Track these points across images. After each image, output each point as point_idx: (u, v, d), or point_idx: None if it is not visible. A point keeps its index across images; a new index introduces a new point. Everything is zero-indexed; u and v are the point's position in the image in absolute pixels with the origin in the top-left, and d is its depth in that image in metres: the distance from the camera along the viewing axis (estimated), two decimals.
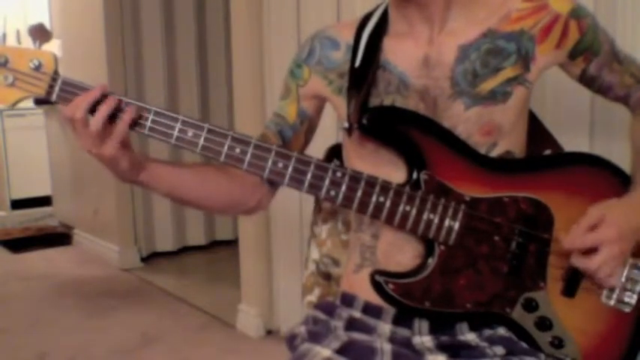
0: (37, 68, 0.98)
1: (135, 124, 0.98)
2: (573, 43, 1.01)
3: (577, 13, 1.00)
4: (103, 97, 0.96)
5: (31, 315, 3.18)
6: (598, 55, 1.03)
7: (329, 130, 1.23)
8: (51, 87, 0.99)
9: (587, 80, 1.06)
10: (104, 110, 0.95)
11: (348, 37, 1.07)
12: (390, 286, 0.99)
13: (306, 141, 1.17)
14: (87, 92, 0.97)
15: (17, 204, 5.20)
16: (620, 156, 1.08)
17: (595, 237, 0.94)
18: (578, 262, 0.96)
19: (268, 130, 1.14)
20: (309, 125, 1.15)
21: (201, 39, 4.19)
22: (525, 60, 1.00)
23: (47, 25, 4.48)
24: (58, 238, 4.62)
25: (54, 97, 0.99)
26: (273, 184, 1.12)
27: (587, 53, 1.02)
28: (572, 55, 1.02)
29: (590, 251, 0.95)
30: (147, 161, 1.03)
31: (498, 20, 1.00)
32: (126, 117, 0.97)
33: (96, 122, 0.95)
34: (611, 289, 1.01)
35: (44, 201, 5.16)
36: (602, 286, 1.00)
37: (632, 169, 1.05)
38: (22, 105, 1.03)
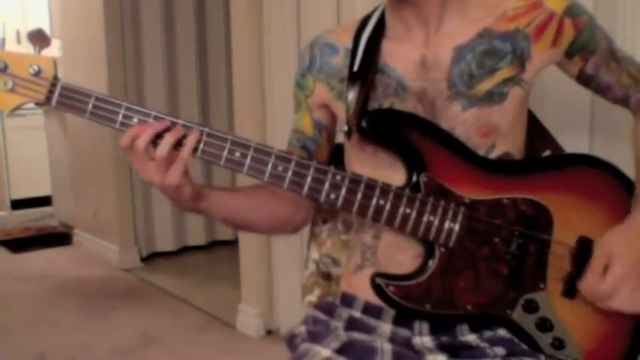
0: (37, 74, 0.98)
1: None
2: (569, 41, 1.00)
3: (572, 11, 1.00)
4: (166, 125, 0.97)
5: (31, 315, 3.18)
6: (595, 54, 1.03)
7: None
8: (51, 92, 0.98)
9: (584, 80, 1.06)
10: (171, 138, 0.95)
11: (346, 42, 1.07)
12: (391, 288, 0.99)
13: (330, 148, 1.17)
14: (150, 123, 0.97)
15: (17, 204, 5.20)
16: (620, 157, 1.08)
17: (609, 282, 0.95)
18: (604, 306, 0.97)
19: (292, 147, 1.14)
20: (327, 134, 1.15)
21: (201, 39, 4.19)
22: (521, 60, 0.99)
23: (47, 26, 4.48)
24: (58, 238, 4.62)
25: (53, 102, 0.98)
26: (312, 199, 1.12)
27: (584, 52, 1.02)
28: (569, 54, 1.02)
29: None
30: (206, 189, 1.04)
31: (494, 20, 1.00)
32: (191, 140, 0.97)
33: (161, 151, 0.95)
34: None
35: (44, 201, 5.16)
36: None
37: (636, 179, 1.04)
38: None
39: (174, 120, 0.98)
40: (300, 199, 1.10)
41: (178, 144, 0.97)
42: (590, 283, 0.97)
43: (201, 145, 0.98)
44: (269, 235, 1.25)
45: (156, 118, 0.98)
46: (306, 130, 1.14)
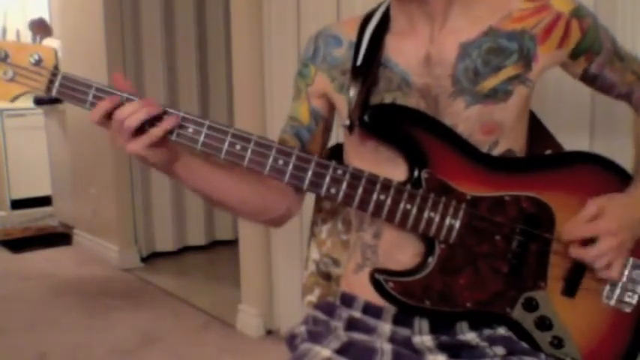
0: (37, 63, 0.97)
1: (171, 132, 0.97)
2: (575, 42, 1.00)
3: (578, 13, 1.00)
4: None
5: (31, 315, 3.18)
6: (599, 54, 1.03)
7: None
8: (51, 82, 0.97)
9: (588, 79, 1.06)
10: (142, 116, 0.94)
11: (350, 35, 1.07)
12: (390, 284, 0.98)
13: (324, 141, 1.15)
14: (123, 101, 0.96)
15: (17, 204, 5.20)
16: (620, 155, 1.08)
17: (593, 227, 0.96)
18: (576, 252, 0.97)
19: (285, 134, 1.13)
20: (324, 125, 1.14)
21: (201, 39, 4.19)
22: (527, 59, 0.99)
23: None
24: (58, 238, 4.62)
25: (54, 92, 0.97)
26: (299, 191, 1.11)
27: (589, 53, 1.02)
28: (574, 55, 1.02)
29: (589, 243, 0.96)
30: (186, 154, 1.01)
31: (500, 19, 1.00)
32: (165, 124, 0.95)
33: (130, 124, 0.93)
34: (612, 289, 1.01)
35: (44, 201, 5.16)
36: (602, 279, 1.00)
37: (634, 165, 1.06)
38: (22, 105, 1.02)
39: (177, 113, 0.98)
40: (287, 190, 1.08)
41: (153, 121, 0.95)
42: (573, 224, 0.97)
43: (202, 138, 0.97)
44: (250, 219, 1.19)
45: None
46: (302, 118, 1.13)
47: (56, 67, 0.98)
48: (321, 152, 1.16)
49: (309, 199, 1.18)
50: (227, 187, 1.06)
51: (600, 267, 0.97)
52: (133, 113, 0.94)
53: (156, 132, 0.95)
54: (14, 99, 0.99)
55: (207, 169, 1.04)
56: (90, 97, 0.97)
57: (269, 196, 1.10)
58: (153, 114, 0.95)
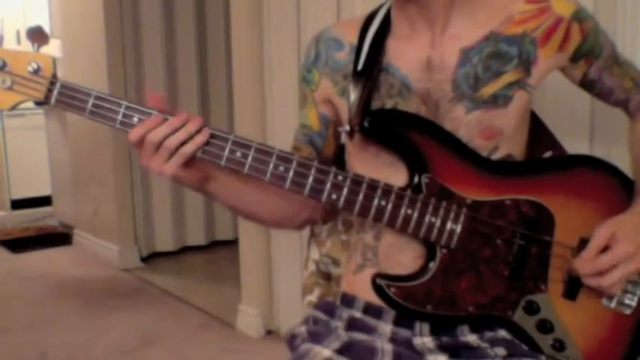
0: (36, 72, 0.97)
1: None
2: (575, 46, 1.00)
3: (579, 16, 1.00)
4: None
5: (31, 315, 3.18)
6: (599, 58, 1.03)
7: None
8: (49, 91, 0.97)
9: (587, 84, 1.06)
10: (183, 135, 0.95)
11: (351, 38, 1.07)
12: (392, 289, 0.99)
13: (337, 144, 1.16)
14: (163, 119, 0.96)
15: (17, 204, 5.20)
16: (620, 158, 1.08)
17: (610, 258, 0.93)
18: (592, 282, 0.96)
19: (298, 142, 1.13)
20: (334, 128, 1.13)
21: (201, 39, 4.19)
22: (527, 64, 0.99)
23: (47, 26, 4.47)
24: (58, 238, 4.62)
25: (52, 100, 0.98)
26: (314, 199, 1.12)
27: (589, 56, 1.02)
28: (574, 59, 1.02)
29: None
30: (215, 172, 1.03)
31: (501, 23, 1.00)
32: (198, 140, 0.96)
33: (170, 144, 0.94)
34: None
35: (44, 201, 5.16)
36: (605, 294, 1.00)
37: (634, 176, 1.05)
38: (22, 105, 1.02)
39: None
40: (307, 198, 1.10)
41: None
42: (584, 258, 0.94)
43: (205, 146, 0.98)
44: (275, 227, 1.22)
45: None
46: (312, 125, 1.13)
47: (54, 76, 0.98)
48: (336, 155, 1.16)
49: None
50: (258, 199, 1.09)
51: (614, 291, 0.96)
52: (171, 134, 0.95)
53: (188, 149, 0.96)
54: (12, 107, 0.99)
55: (239, 184, 1.06)
56: (89, 106, 0.97)
57: (292, 205, 1.12)
58: (192, 131, 0.96)
